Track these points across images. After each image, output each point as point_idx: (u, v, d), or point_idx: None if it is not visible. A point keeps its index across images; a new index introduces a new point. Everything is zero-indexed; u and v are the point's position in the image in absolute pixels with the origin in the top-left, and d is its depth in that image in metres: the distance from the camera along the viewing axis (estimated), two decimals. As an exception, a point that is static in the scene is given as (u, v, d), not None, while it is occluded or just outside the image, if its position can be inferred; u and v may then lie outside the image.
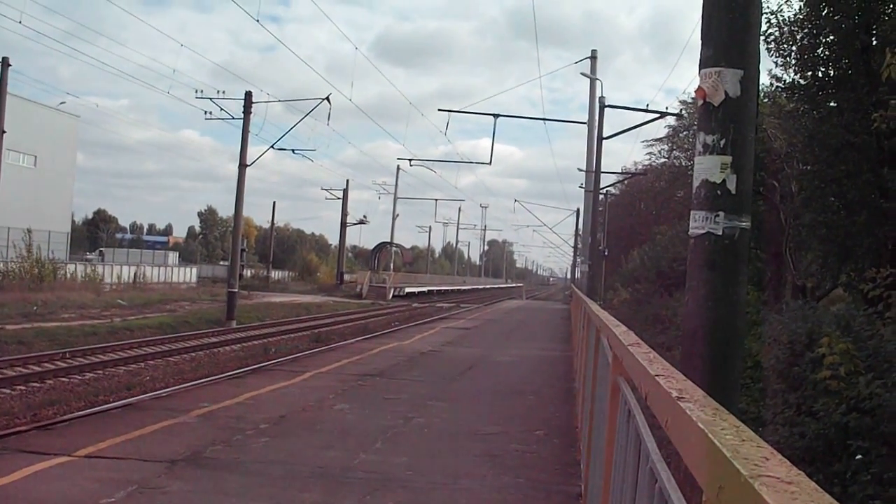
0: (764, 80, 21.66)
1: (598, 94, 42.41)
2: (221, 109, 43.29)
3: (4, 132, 40.71)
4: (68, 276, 56.32)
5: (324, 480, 8.82)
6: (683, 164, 40.71)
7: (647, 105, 39.14)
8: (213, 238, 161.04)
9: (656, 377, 2.44)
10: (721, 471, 1.42)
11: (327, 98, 42.00)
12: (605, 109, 40.71)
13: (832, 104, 20.31)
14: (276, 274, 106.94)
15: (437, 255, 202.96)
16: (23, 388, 19.54)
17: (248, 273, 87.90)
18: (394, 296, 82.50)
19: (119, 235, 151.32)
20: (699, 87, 6.99)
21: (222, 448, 10.10)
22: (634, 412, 3.27)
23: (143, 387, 20.56)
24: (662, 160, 54.06)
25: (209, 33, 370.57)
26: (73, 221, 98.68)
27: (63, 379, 21.09)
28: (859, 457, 10.37)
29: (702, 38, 7.12)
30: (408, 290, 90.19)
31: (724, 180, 6.80)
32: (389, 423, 12.33)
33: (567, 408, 14.60)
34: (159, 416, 11.93)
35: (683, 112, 41.74)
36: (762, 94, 22.27)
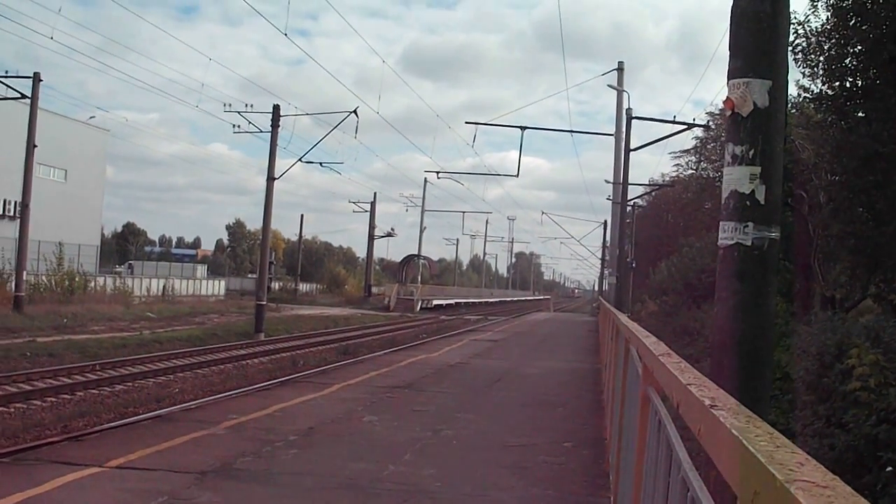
0: (791, 90, 21.57)
1: (625, 105, 42.37)
2: (250, 123, 43.43)
3: (36, 146, 40.97)
4: (98, 288, 56.62)
5: (353, 492, 8.83)
6: (711, 175, 40.62)
7: (675, 117, 38.96)
8: (242, 251, 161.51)
9: (688, 386, 2.45)
10: (756, 476, 1.43)
11: (355, 111, 42.05)
12: (633, 121, 40.65)
13: (860, 114, 20.19)
14: (303, 286, 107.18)
15: (464, 267, 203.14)
16: (53, 399, 19.67)
17: (276, 286, 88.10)
18: (421, 308, 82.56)
19: (148, 248, 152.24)
20: (727, 97, 6.98)
21: (252, 459, 10.13)
22: (665, 422, 3.28)
23: (173, 399, 20.65)
24: (690, 172, 53.99)
25: (238, 47, 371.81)
26: (102, 235, 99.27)
27: (93, 391, 21.21)
28: (889, 469, 10.30)
29: (730, 49, 7.12)
30: (435, 302, 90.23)
31: (753, 191, 6.79)
32: (418, 435, 12.33)
33: (595, 419, 14.57)
34: (189, 427, 11.98)
35: (711, 123, 41.62)
36: (790, 105, 22.17)
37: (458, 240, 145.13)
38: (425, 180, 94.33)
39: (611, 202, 47.88)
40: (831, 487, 1.25)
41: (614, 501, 7.08)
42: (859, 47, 19.56)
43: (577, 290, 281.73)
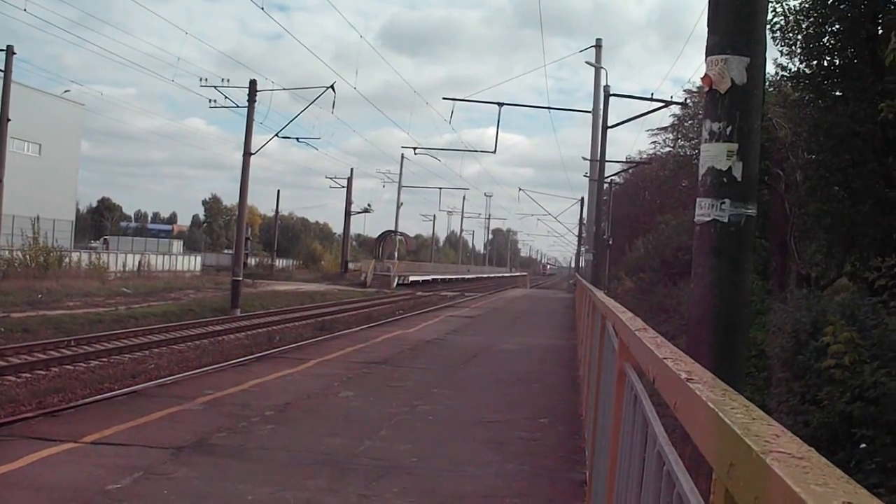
0: (769, 69, 21.60)
1: (602, 82, 42.39)
2: (226, 98, 43.28)
3: (9, 120, 40.68)
4: (73, 264, 56.37)
5: (329, 467, 8.84)
6: (688, 153, 40.62)
7: (653, 94, 39.02)
8: (218, 226, 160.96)
9: (664, 360, 2.45)
10: (732, 448, 1.42)
11: (332, 86, 41.93)
12: (610, 98, 40.68)
13: (837, 93, 20.27)
14: (280, 262, 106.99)
15: (441, 243, 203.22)
16: (28, 375, 19.59)
17: (252, 261, 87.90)
18: (398, 284, 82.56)
19: (123, 224, 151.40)
20: (705, 74, 6.98)
21: (228, 435, 10.13)
22: (641, 397, 3.28)
23: (149, 374, 20.62)
24: (667, 149, 53.99)
25: (216, 22, 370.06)
26: (77, 210, 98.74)
27: (68, 367, 21.14)
28: (863, 445, 10.38)
29: (708, 26, 7.11)
30: (412, 278, 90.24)
31: (730, 167, 6.79)
32: (394, 411, 12.35)
33: (571, 396, 14.61)
34: (165, 403, 11.95)
35: (688, 101, 41.64)
36: (767, 83, 22.20)
37: (434, 216, 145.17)
38: (402, 156, 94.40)
39: (588, 179, 47.88)
40: (807, 458, 1.25)
41: (590, 476, 7.11)
42: (837, 26, 19.63)
43: (549, 266, 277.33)
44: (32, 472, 8.05)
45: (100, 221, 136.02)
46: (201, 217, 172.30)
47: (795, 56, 21.13)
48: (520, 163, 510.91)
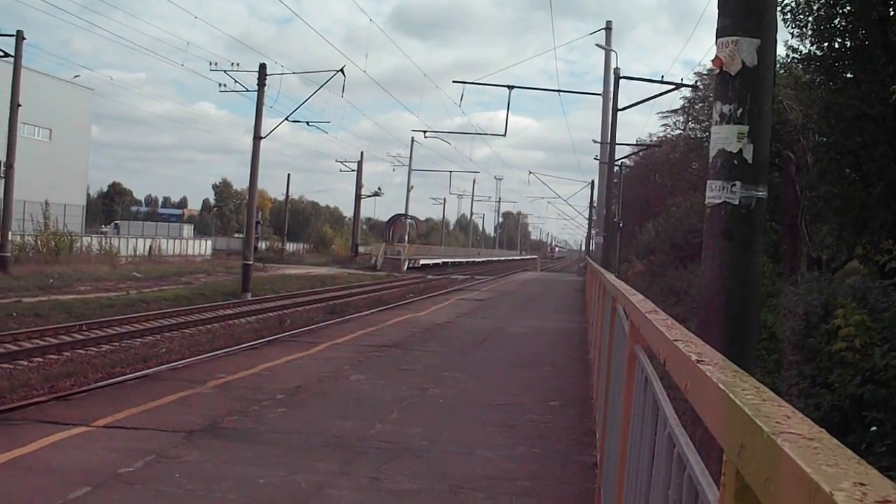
0: (780, 51, 21.51)
1: (612, 65, 42.27)
2: (236, 82, 43.34)
3: (20, 105, 40.71)
4: (84, 248, 56.45)
5: (340, 450, 8.86)
6: (699, 135, 40.47)
7: (663, 76, 38.93)
8: (228, 211, 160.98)
9: (675, 342, 2.45)
10: (743, 429, 1.42)
11: (341, 70, 41.89)
12: (621, 81, 40.53)
13: (849, 75, 20.18)
14: (290, 246, 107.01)
15: (451, 227, 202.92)
16: (40, 360, 19.66)
17: (262, 245, 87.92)
18: (408, 268, 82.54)
19: (134, 208, 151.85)
20: (716, 56, 6.96)
21: (239, 418, 10.16)
22: (651, 379, 3.28)
23: (160, 358, 20.68)
24: (678, 132, 53.78)
25: (226, 6, 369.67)
26: (88, 195, 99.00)
27: (80, 351, 21.20)
28: (874, 428, 10.36)
29: (719, 8, 7.09)
30: (422, 261, 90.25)
31: (740, 150, 6.78)
32: (405, 394, 12.37)
33: (582, 378, 14.62)
34: (176, 387, 11.99)
35: (699, 83, 41.50)
36: (778, 65, 22.11)
37: (445, 199, 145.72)
38: (412, 140, 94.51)
39: (598, 162, 47.82)
40: (818, 439, 1.25)
41: (601, 459, 7.12)
42: (848, 8, 19.51)
43: (558, 248, 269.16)
44: (45, 456, 8.09)
45: (110, 206, 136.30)
46: (212, 201, 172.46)
47: (806, 38, 21.01)
48: (530, 146, 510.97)
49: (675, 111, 54.39)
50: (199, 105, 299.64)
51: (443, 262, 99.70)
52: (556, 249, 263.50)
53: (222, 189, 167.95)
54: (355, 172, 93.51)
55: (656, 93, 39.23)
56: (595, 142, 48.03)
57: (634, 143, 62.43)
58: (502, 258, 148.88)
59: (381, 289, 51.40)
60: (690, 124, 47.56)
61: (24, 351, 20.06)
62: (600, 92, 44.95)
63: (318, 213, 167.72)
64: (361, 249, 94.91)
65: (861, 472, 1.10)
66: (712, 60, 7.11)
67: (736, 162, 6.81)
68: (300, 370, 14.17)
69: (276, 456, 8.47)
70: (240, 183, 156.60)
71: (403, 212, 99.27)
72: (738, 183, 6.83)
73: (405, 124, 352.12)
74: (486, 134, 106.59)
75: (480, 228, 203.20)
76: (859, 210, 19.22)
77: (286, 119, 45.40)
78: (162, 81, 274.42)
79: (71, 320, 26.30)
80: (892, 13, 18.46)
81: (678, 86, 39.33)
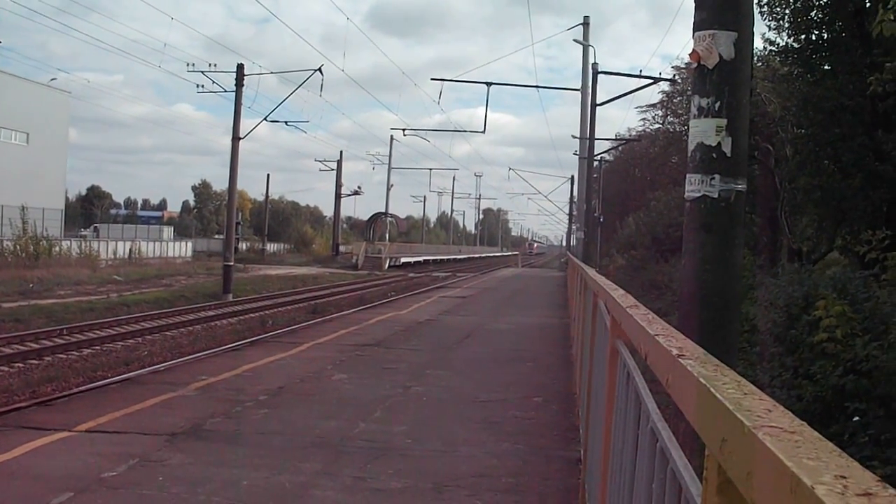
0: (757, 43, 21.60)
1: (590, 60, 42.39)
2: (213, 83, 43.21)
3: (-4, 109, 40.54)
4: (63, 252, 56.19)
5: (323, 450, 8.85)
6: (678, 129, 40.67)
7: (641, 71, 39.05)
8: (208, 212, 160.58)
9: (656, 337, 2.45)
10: (723, 423, 1.42)
11: (319, 69, 41.85)
12: (599, 76, 40.68)
13: (826, 67, 20.26)
14: (271, 247, 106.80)
15: (432, 224, 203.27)
16: (21, 365, 19.58)
17: (243, 246, 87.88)
18: (389, 266, 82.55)
19: (113, 211, 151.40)
20: (693, 49, 6.98)
21: (222, 420, 10.13)
22: (634, 374, 3.28)
23: (142, 361, 20.61)
24: (657, 126, 54.03)
25: (203, 6, 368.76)
26: (66, 198, 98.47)
27: (61, 356, 21.12)
28: (857, 418, 10.42)
29: (695, 1, 7.10)
30: (403, 259, 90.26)
31: (719, 143, 6.80)
32: (388, 393, 12.36)
33: (565, 374, 14.64)
34: (158, 389, 11.94)
35: (677, 77, 41.65)
36: (755, 58, 22.18)
37: (425, 197, 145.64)
38: (391, 138, 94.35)
39: (578, 157, 47.90)
40: (799, 433, 1.25)
41: (584, 454, 7.13)
42: (824, 0, 19.59)
43: (537, 245, 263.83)
44: (28, 462, 8.05)
45: (90, 209, 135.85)
46: (191, 203, 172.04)
47: (783, 30, 21.11)
48: (510, 142, 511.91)
49: (653, 105, 54.70)
50: (177, 107, 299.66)
51: (424, 260, 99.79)
52: (535, 245, 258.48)
53: (202, 190, 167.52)
54: (335, 172, 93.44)
55: (635, 87, 39.44)
56: (574, 137, 48.13)
57: (614, 137, 62.79)
58: (483, 255, 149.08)
59: (362, 287, 51.37)
60: (669, 118, 47.84)
61: (5, 356, 19.96)
62: (579, 87, 45.06)
63: (299, 213, 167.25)
64: (342, 248, 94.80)
65: (842, 465, 1.09)
66: (689, 54, 7.13)
67: (715, 155, 6.83)
68: (283, 371, 14.14)
69: (260, 457, 8.45)
70: (219, 184, 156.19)
71: (384, 210, 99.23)
72: (717, 176, 6.85)
73: (384, 122, 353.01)
74: (465, 131, 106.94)
75: (461, 225, 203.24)
76: (838, 201, 19.30)
77: (265, 119, 45.31)
78: (140, 83, 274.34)
79: (51, 325, 26.17)
80: (868, 5, 18.54)
81: (656, 80, 39.44)
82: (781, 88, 21.77)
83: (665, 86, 43.76)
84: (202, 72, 42.85)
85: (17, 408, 12.39)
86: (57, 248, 55.45)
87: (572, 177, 70.88)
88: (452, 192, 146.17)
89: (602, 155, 55.30)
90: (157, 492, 7.30)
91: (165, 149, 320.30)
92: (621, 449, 3.46)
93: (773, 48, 22.12)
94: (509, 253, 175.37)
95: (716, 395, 1.52)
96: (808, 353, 11.94)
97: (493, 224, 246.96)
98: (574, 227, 65.05)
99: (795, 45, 20.72)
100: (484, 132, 50.35)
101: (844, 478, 1.04)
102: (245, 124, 42.62)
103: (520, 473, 8.37)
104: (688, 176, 7.10)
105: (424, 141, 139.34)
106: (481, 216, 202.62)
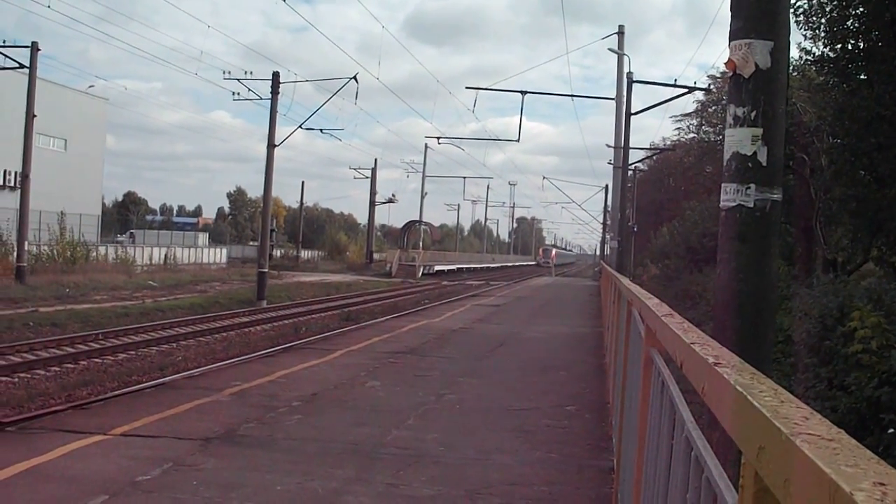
0: (793, 53, 21.50)
1: (626, 69, 42.23)
2: (249, 90, 43.41)
3: (35, 116, 40.81)
4: (100, 258, 56.61)
5: (356, 457, 8.87)
6: (712, 138, 40.48)
7: (676, 80, 38.90)
8: (243, 219, 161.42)
9: (692, 345, 2.45)
10: (761, 431, 1.42)
11: (355, 77, 41.95)
12: (634, 85, 40.51)
13: (862, 77, 20.12)
14: (305, 253, 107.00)
15: (465, 233, 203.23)
16: (57, 369, 19.70)
17: (277, 253, 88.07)
18: (423, 274, 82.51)
19: (149, 217, 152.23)
20: (729, 58, 6.96)
21: (255, 426, 10.17)
22: (668, 382, 3.28)
23: (176, 367, 20.68)
24: (691, 135, 53.78)
25: (241, 15, 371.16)
26: (103, 204, 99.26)
27: (96, 360, 21.23)
28: (891, 430, 10.34)
29: (731, 10, 7.08)
30: (437, 268, 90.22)
31: (755, 152, 6.77)
32: (421, 400, 12.37)
33: (598, 383, 14.60)
34: (192, 395, 12.02)
35: (712, 86, 41.48)
36: (791, 68, 22.06)
37: (459, 205, 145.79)
38: (426, 146, 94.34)
39: (612, 166, 47.76)
40: (836, 440, 1.25)
41: (617, 463, 7.11)
42: (861, 9, 19.46)
43: (554, 253, 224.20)
44: (63, 464, 8.12)
45: (126, 215, 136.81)
46: (226, 209, 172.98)
47: (819, 40, 20.98)
48: (544, 151, 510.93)
49: (688, 115, 54.40)
50: (213, 114, 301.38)
51: (457, 268, 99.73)
52: (553, 253, 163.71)
53: (237, 197, 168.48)
54: (369, 179, 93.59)
55: (670, 96, 39.23)
56: (609, 146, 47.99)
57: (648, 147, 62.49)
58: (517, 263, 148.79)
59: (395, 295, 51.37)
60: (704, 128, 47.59)
61: (41, 360, 20.10)
62: (614, 96, 44.94)
63: (333, 221, 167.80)
64: (376, 256, 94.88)
65: (881, 473, 1.10)
66: (725, 63, 7.10)
67: (750, 164, 6.81)
68: (316, 377, 14.19)
69: (293, 463, 8.48)
70: (254, 191, 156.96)
71: (418, 218, 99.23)
72: (752, 185, 6.82)
73: (419, 131, 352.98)
74: (499, 139, 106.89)
75: (495, 234, 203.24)
76: (874, 212, 19.15)
77: (300, 127, 45.55)
78: (177, 91, 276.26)
79: (87, 329, 26.34)
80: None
81: (692, 89, 39.29)
82: (817, 98, 21.66)
83: (700, 95, 43.61)
84: (238, 79, 43.10)
85: (53, 411, 12.45)
86: (93, 254, 55.91)
87: (606, 186, 70.57)
88: (486, 201, 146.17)
89: (636, 164, 55.17)
90: (191, 496, 7.34)
91: (201, 156, 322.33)
92: (655, 457, 3.45)
93: (809, 58, 22.01)
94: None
95: (753, 402, 1.52)
96: (842, 364, 11.86)
97: (526, 233, 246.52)
98: (608, 236, 64.89)
99: (831, 54, 20.59)
100: (518, 141, 50.23)
101: (883, 484, 1.04)
102: (280, 132, 42.92)
103: (552, 482, 8.35)
104: (723, 185, 7.07)
105: (459, 149, 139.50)
106: (515, 225, 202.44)
